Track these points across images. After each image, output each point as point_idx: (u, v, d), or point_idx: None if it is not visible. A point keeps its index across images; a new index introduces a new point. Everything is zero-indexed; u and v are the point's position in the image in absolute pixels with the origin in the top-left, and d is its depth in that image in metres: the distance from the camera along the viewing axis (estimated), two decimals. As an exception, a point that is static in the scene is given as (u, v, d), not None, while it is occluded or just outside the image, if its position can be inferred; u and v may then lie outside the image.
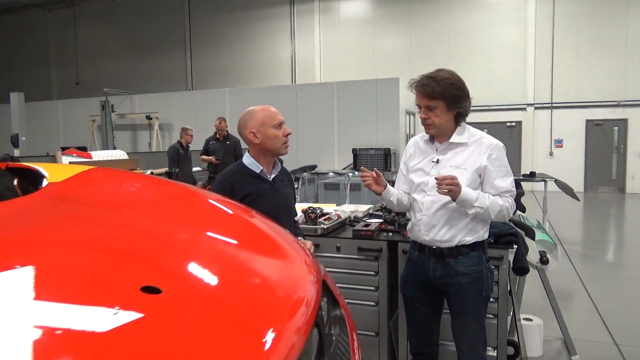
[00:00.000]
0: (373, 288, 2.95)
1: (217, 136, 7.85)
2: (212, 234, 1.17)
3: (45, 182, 1.32)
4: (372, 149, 10.89)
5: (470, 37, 14.16)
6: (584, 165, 13.58)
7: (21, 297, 0.73)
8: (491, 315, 2.70)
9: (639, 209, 11.45)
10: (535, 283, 3.82)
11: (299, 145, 11.69)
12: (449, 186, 2.06)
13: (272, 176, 2.35)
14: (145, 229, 1.09)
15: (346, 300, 2.93)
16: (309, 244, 2.34)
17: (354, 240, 2.98)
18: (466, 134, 2.26)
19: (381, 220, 3.28)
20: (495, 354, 2.72)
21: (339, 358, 1.12)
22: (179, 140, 8.12)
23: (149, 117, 13.94)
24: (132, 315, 0.73)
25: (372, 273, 2.95)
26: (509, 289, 2.75)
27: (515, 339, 3.03)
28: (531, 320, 3.48)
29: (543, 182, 7.42)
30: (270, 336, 0.85)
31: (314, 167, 9.01)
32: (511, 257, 2.80)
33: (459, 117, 2.26)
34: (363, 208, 3.79)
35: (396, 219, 3.19)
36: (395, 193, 2.38)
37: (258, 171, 2.31)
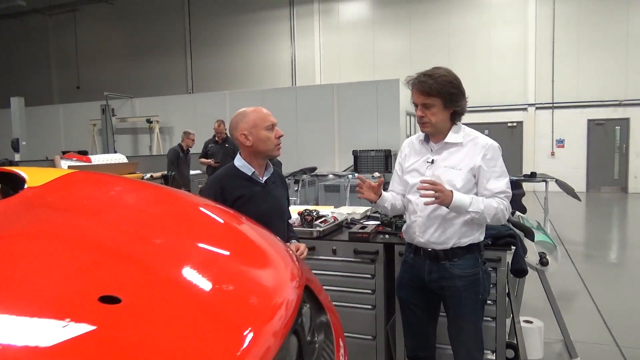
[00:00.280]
0: (369, 291, 2.91)
1: (216, 139, 7.84)
2: (188, 239, 1.14)
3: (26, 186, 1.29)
4: (373, 150, 10.84)
5: (471, 37, 14.12)
6: (586, 165, 13.51)
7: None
8: (489, 318, 2.66)
9: (641, 208, 11.39)
10: (536, 285, 3.77)
11: (300, 148, 11.67)
12: (432, 192, 2.03)
13: (264, 178, 2.32)
14: (116, 235, 1.05)
15: (342, 304, 2.94)
16: (302, 246, 2.31)
17: (349, 242, 2.95)
18: (461, 133, 2.23)
19: (378, 222, 3.24)
20: (494, 358, 2.68)
21: None
22: (180, 143, 8.11)
23: (149, 121, 13.93)
24: (82, 328, 0.70)
25: (369, 276, 2.91)
26: (507, 291, 2.70)
27: (515, 341, 2.98)
28: (531, 322, 3.43)
29: (544, 183, 7.36)
30: (243, 340, 0.82)
31: (314, 169, 8.98)
32: (509, 259, 2.76)
33: (455, 116, 2.23)
34: (361, 210, 3.75)
35: (393, 220, 3.15)
36: (390, 199, 2.35)
37: (250, 173, 2.27)
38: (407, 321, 2.40)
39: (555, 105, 13.58)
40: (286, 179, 8.56)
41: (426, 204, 2.10)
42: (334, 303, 2.91)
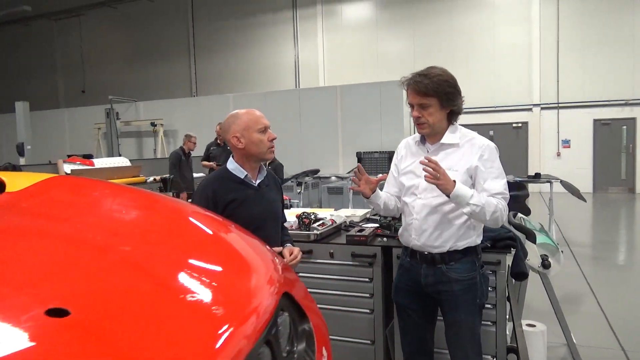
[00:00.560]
0: (368, 295, 2.87)
1: (218, 142, 7.82)
2: (160, 245, 1.10)
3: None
4: (377, 152, 10.81)
5: (474, 38, 14.04)
6: (592, 166, 13.38)
7: None
8: (489, 323, 2.61)
9: (649, 209, 11.25)
10: (540, 287, 3.71)
11: (303, 150, 11.65)
12: (433, 172, 1.98)
13: (258, 181, 2.28)
14: (82, 243, 1.01)
15: (340, 308, 2.90)
16: (296, 250, 2.27)
17: (347, 245, 2.91)
18: (458, 134, 2.19)
19: (377, 225, 3.20)
20: (494, 362, 2.63)
21: None
22: (182, 146, 8.10)
23: (153, 124, 13.99)
24: (23, 342, 0.66)
25: (367, 279, 2.87)
26: (507, 295, 2.65)
27: (516, 345, 2.93)
28: (534, 326, 3.37)
29: (549, 184, 7.28)
30: (209, 345, 0.79)
31: (317, 171, 8.96)
32: (509, 262, 2.71)
33: (452, 116, 2.19)
34: (360, 212, 3.71)
35: (392, 223, 3.11)
36: (383, 197, 2.31)
37: (242, 176, 2.24)
38: (404, 326, 2.35)
39: (560, 105, 13.46)
40: (289, 181, 8.48)
41: (427, 180, 2.03)
42: (331, 307, 2.90)
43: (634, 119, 12.95)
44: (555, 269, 3.28)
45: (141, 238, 1.12)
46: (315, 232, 3.00)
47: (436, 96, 2.10)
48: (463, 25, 14.13)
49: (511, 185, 5.88)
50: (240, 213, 2.16)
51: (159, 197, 1.48)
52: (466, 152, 2.14)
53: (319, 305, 2.88)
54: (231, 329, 0.89)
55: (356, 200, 7.71)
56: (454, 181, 2.01)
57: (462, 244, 2.14)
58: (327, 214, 3.43)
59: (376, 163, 10.65)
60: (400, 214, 2.38)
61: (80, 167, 8.12)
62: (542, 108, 13.62)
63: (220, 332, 0.89)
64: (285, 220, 2.55)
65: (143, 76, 18.22)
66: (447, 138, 2.17)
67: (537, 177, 7.43)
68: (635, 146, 13.02)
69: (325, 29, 15.89)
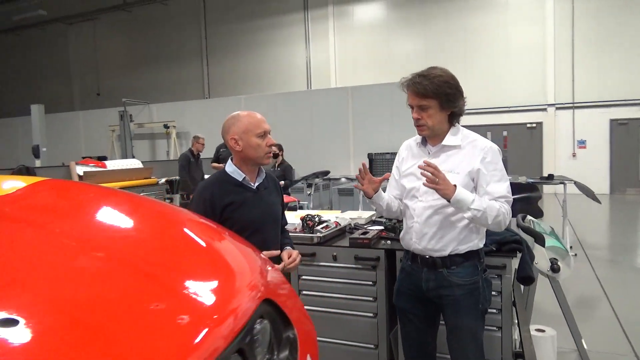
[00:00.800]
0: (371, 299, 2.83)
1: (228, 143, 7.83)
2: (139, 249, 1.08)
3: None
4: (388, 153, 10.72)
5: (487, 37, 13.86)
6: (609, 167, 13.12)
7: None
8: (494, 328, 2.56)
9: (668, 210, 10.99)
10: (551, 291, 3.63)
11: (315, 151, 11.62)
12: (431, 176, 1.94)
13: (256, 184, 2.26)
14: (52, 250, 1.00)
15: (343, 311, 2.86)
16: (295, 253, 2.24)
17: (350, 248, 2.87)
18: (460, 135, 2.14)
19: (382, 228, 3.16)
20: (500, 368, 2.57)
21: None
22: (190, 148, 8.14)
23: (166, 126, 14.09)
24: None
25: (370, 283, 2.83)
26: (512, 299, 2.59)
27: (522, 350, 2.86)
28: (544, 331, 3.30)
29: (562, 185, 7.14)
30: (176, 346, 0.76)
31: (327, 172, 8.92)
32: (515, 266, 2.64)
33: (453, 117, 2.14)
34: (366, 215, 3.67)
35: (397, 226, 3.07)
36: (386, 198, 2.27)
37: (240, 179, 2.22)
38: (405, 330, 2.31)
39: (576, 105, 13.23)
40: (299, 183, 8.40)
41: (426, 185, 1.99)
42: (334, 310, 2.86)
43: (652, 119, 12.68)
44: (566, 272, 3.19)
45: (119, 241, 1.11)
46: (318, 234, 2.97)
47: (436, 98, 2.06)
48: (475, 25, 13.97)
49: (523, 187, 5.80)
50: (238, 216, 2.14)
51: (147, 201, 1.46)
52: (468, 154, 2.10)
53: (321, 308, 2.88)
54: (207, 329, 0.88)
55: (367, 202, 7.66)
56: (455, 185, 1.97)
57: (463, 248, 2.09)
58: (332, 216, 3.40)
59: (388, 164, 10.55)
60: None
61: (93, 169, 8.21)
62: (557, 108, 13.40)
63: (197, 329, 0.89)
64: (286, 223, 2.53)
65: (156, 78, 18.39)
66: (448, 140, 2.13)
67: (550, 178, 7.30)
68: (654, 146, 12.74)
69: (337, 30, 15.86)
